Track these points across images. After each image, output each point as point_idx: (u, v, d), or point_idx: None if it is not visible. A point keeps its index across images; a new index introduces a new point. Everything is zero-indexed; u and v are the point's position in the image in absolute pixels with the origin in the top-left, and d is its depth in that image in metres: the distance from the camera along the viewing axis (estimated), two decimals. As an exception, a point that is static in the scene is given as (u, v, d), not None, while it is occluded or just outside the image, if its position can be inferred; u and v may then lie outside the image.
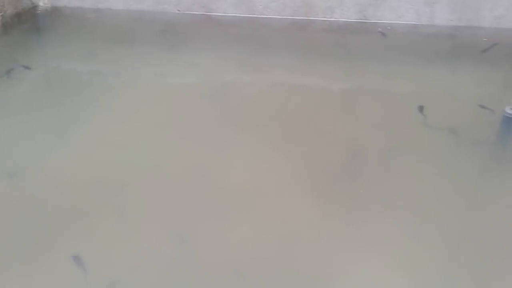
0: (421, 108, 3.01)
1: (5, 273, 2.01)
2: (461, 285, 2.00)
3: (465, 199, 2.41)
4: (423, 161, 2.63)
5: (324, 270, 2.04)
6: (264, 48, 3.84)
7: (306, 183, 2.50)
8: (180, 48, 3.85)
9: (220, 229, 2.23)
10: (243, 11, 4.20)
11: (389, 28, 4.05)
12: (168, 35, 4.04)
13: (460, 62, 3.58)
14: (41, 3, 4.45)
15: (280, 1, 4.13)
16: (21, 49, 3.86)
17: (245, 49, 3.81)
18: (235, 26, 4.14)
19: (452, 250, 2.15)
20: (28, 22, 4.30)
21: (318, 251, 2.13)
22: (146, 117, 3.02)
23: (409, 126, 2.91)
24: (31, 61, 3.64)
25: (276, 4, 4.14)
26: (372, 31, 4.04)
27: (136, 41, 3.98)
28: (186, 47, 3.87)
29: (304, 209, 2.35)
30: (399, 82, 3.41)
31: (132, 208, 2.34)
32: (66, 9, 4.47)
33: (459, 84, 3.38)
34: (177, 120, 3.00)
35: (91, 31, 4.16)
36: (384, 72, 3.50)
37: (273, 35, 4.01)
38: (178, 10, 4.29)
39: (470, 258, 2.11)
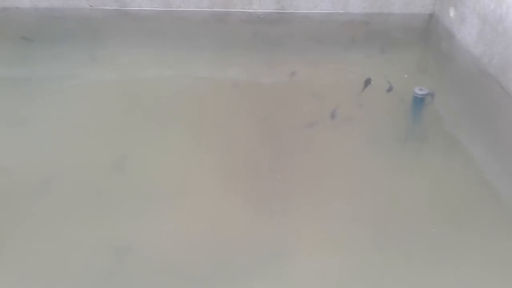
0: (367, 82, 3.15)
1: None
2: (389, 256, 2.09)
3: (383, 175, 2.53)
4: (340, 141, 2.73)
5: (251, 258, 2.06)
6: (184, 41, 3.76)
7: (228, 176, 2.49)
8: (95, 46, 3.68)
9: (143, 223, 2.20)
10: (159, 5, 4.08)
11: (261, 16, 4.13)
12: (81, 32, 3.84)
13: (374, 47, 3.71)
14: None
15: (197, -7, 4.06)
16: None
17: (163, 44, 3.71)
18: (152, 20, 4.02)
19: (375, 225, 2.23)
20: None
21: (245, 241, 2.14)
22: (64, 117, 2.88)
23: (328, 110, 2.98)
24: None
25: (194, -4, 4.08)
26: (290, 21, 4.09)
27: (46, 40, 3.74)
28: (101, 44, 3.71)
29: (228, 201, 2.34)
30: (319, 69, 3.47)
31: (55, 205, 2.29)
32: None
33: (374, 68, 3.51)
34: (96, 119, 2.87)
35: (-2, 31, 3.88)
36: (304, 60, 3.54)
37: (192, 28, 3.94)
38: (90, 6, 4.09)
39: (394, 231, 2.21)
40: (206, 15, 4.09)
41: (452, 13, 3.80)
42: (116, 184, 2.43)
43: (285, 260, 2.05)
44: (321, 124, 2.86)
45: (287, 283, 1.98)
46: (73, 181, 2.43)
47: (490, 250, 2.11)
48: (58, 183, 2.42)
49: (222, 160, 2.59)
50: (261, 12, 4.14)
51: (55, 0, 4.06)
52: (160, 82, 3.28)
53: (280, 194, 2.38)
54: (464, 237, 2.17)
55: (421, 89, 2.85)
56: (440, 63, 3.64)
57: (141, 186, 2.40)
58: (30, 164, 2.54)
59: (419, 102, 2.85)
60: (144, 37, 3.80)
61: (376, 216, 2.28)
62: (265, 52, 3.65)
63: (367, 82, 3.10)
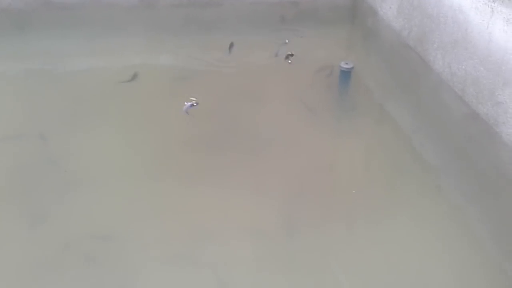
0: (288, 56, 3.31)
1: None
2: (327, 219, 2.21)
3: (315, 144, 2.66)
4: (274, 112, 2.85)
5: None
6: (113, 29, 3.69)
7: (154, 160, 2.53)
8: (19, 37, 3.54)
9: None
10: (84, -8, 3.95)
11: None
12: (1, 25, 3.67)
13: (303, 26, 3.82)
14: None
15: (124, -21, 3.97)
16: None
17: (92, 32, 3.62)
18: (78, 9, 3.88)
19: (309, 192, 2.35)
20: None
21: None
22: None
23: (266, 89, 3.07)
24: None
25: (120, -17, 3.98)
26: (221, 4, 4.11)
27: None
28: (26, 35, 3.57)
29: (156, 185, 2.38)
30: (257, 50, 3.54)
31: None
32: None
33: (306, 46, 3.63)
34: (23, 113, 2.79)
35: None
36: (238, 41, 3.59)
37: (121, 15, 3.86)
38: (11, -4, 3.89)
39: (326, 195, 2.33)
40: (134, 2, 4.00)
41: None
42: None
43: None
44: (255, 101, 2.95)
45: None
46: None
47: (415, 210, 2.27)
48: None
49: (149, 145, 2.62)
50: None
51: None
52: (91, 73, 3.23)
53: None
54: (392, 199, 2.33)
55: (346, 63, 3.00)
56: (365, 38, 3.83)
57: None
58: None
59: (345, 75, 3.01)
60: (71, 27, 3.68)
61: (309, 183, 2.39)
62: (198, 36, 3.67)
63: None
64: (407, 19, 3.45)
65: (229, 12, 4.04)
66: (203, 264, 1.99)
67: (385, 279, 1.95)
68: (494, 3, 2.57)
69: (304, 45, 3.60)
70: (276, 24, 3.90)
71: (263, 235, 2.12)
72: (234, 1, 4.11)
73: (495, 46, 2.57)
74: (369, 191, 2.36)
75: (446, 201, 2.35)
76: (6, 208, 2.22)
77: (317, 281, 1.95)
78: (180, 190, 2.33)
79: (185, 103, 2.78)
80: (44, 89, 3.03)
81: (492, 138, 2.61)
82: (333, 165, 2.59)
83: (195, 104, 2.73)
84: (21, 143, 2.60)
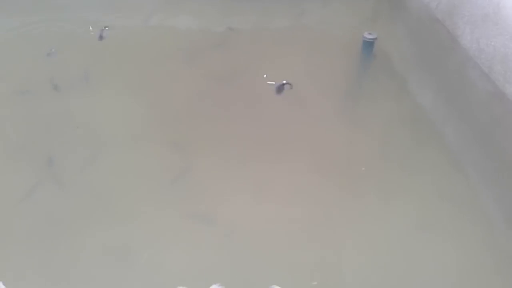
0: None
1: None
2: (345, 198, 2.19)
3: (336, 117, 2.62)
4: (301, 78, 2.80)
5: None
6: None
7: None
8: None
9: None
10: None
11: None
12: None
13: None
14: None
15: None
16: None
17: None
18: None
19: (328, 165, 2.33)
20: None
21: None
22: None
23: (293, 57, 2.99)
24: None
25: None
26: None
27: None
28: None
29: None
30: (275, 19, 3.45)
31: None
32: None
33: (329, 14, 3.52)
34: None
35: None
36: (257, 10, 3.50)
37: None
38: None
39: (345, 170, 2.31)
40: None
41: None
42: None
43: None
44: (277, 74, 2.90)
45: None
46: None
47: (432, 190, 2.23)
48: None
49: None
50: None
51: None
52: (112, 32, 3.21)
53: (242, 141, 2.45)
54: (407, 177, 2.29)
55: (370, 34, 2.90)
56: (391, 9, 3.68)
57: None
58: None
59: (368, 46, 2.92)
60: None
61: (329, 160, 2.36)
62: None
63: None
64: (437, -10, 3.31)
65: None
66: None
67: (393, 259, 1.94)
68: (531, -24, 2.44)
69: (327, 13, 3.49)
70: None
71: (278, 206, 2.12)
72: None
73: (528, 23, 2.46)
74: (383, 167, 2.32)
75: (465, 181, 2.29)
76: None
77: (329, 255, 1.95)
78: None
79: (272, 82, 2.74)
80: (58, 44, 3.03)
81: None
82: (349, 137, 2.54)
83: (285, 83, 2.64)
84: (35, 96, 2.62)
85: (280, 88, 2.71)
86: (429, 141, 2.51)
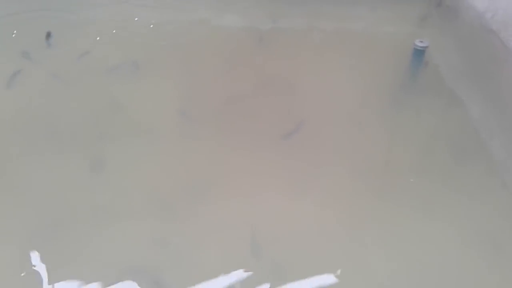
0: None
1: None
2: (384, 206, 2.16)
3: (381, 125, 2.58)
4: (338, 89, 2.77)
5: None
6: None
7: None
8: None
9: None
10: None
11: None
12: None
13: (379, 0, 3.64)
14: None
15: None
16: None
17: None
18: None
19: (369, 176, 2.29)
20: None
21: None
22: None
23: (336, 63, 2.98)
24: None
25: None
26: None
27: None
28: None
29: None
30: (322, 22, 3.43)
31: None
32: None
33: (377, 20, 3.47)
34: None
35: None
36: (306, 13, 3.49)
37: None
38: None
39: (386, 182, 2.27)
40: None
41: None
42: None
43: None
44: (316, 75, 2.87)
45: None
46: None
47: (476, 205, 2.16)
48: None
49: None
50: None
51: None
52: (159, 26, 3.27)
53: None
54: (454, 191, 2.22)
55: (421, 41, 2.84)
56: (443, 17, 3.59)
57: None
58: None
59: (419, 54, 2.85)
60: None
61: (371, 168, 2.32)
62: (267, 1, 3.59)
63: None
64: (493, 0, 3.20)
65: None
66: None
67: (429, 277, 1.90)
68: None
69: (375, 19, 3.44)
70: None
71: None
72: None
73: None
74: (426, 180, 2.26)
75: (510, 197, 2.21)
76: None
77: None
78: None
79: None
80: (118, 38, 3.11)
81: None
82: (392, 146, 2.50)
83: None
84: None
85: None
86: (476, 156, 2.43)
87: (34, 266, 1.83)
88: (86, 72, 2.81)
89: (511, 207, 2.16)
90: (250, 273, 1.84)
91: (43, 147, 2.34)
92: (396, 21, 3.48)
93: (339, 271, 1.87)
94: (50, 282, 1.79)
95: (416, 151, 2.44)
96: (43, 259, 1.86)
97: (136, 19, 3.30)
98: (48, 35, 2.97)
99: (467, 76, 2.97)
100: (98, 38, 3.08)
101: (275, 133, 2.47)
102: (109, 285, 1.78)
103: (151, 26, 3.24)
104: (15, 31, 3.08)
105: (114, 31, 3.18)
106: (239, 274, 1.83)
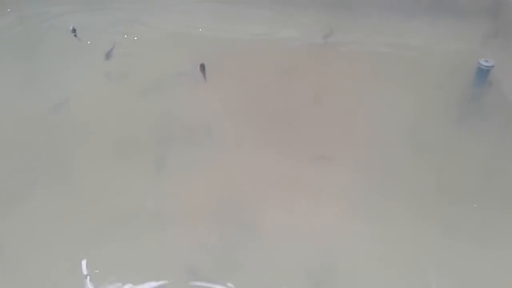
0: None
1: None
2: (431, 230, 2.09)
3: (438, 144, 2.51)
4: (394, 103, 2.73)
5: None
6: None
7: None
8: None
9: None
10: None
11: None
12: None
13: (439, 15, 3.55)
14: None
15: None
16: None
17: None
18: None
19: (420, 196, 2.23)
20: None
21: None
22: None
23: (392, 79, 2.94)
24: None
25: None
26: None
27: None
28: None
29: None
30: (380, 36, 3.39)
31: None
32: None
33: (439, 37, 3.38)
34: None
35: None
36: (364, 26, 3.46)
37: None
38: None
39: (438, 204, 2.20)
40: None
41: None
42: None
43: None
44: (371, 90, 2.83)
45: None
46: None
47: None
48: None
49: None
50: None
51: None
52: (216, 38, 3.34)
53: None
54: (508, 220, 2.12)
55: (486, 61, 2.74)
56: (509, 35, 3.45)
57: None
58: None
59: (483, 74, 2.75)
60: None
61: (424, 188, 2.27)
62: (324, 13, 3.57)
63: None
64: None
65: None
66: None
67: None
68: None
69: (434, 35, 3.36)
70: (408, 10, 3.67)
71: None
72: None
73: None
74: (486, 205, 2.17)
75: None
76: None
77: None
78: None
79: None
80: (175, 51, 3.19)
81: None
82: (453, 169, 2.41)
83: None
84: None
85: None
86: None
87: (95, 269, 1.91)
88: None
89: None
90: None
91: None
92: (456, 38, 3.38)
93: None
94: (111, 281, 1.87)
95: (478, 175, 2.35)
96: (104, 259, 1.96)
97: (200, 29, 3.40)
98: (74, 31, 3.15)
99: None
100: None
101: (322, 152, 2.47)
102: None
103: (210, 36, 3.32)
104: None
105: (174, 39, 3.29)
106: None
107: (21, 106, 2.72)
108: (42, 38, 3.37)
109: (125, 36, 3.29)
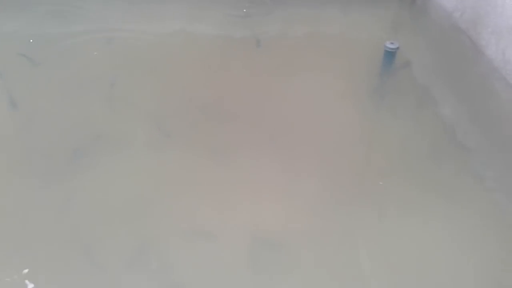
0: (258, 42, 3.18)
1: None
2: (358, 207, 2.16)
3: (354, 126, 2.59)
4: (312, 91, 2.79)
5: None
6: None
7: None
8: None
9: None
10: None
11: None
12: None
13: (351, 3, 3.67)
14: None
15: None
16: None
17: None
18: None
19: (342, 176, 2.30)
20: None
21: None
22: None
23: (312, 66, 2.99)
24: None
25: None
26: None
27: None
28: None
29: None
30: (296, 25, 3.44)
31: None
32: None
33: (349, 23, 3.49)
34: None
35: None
36: (281, 16, 3.50)
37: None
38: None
39: (359, 181, 2.28)
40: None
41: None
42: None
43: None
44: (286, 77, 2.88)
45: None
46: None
47: (451, 202, 2.18)
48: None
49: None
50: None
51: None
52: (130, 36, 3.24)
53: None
54: (430, 190, 2.23)
55: (392, 43, 2.86)
56: (413, 18, 3.64)
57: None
58: None
59: (390, 55, 2.88)
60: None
61: (343, 167, 2.33)
62: (240, 7, 3.58)
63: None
64: (461, -1, 3.25)
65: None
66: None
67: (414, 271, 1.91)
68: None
69: (347, 22, 3.46)
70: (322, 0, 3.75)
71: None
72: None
73: (557, 34, 2.39)
74: (401, 181, 2.27)
75: (487, 194, 2.23)
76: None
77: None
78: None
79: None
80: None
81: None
82: (366, 149, 2.50)
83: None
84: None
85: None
86: (450, 154, 2.45)
87: None
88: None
89: (486, 204, 2.18)
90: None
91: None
92: (367, 23, 3.50)
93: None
94: None
95: (390, 151, 2.44)
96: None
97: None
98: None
99: (439, 76, 3.00)
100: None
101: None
102: None
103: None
104: None
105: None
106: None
107: None
108: None
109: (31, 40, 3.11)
